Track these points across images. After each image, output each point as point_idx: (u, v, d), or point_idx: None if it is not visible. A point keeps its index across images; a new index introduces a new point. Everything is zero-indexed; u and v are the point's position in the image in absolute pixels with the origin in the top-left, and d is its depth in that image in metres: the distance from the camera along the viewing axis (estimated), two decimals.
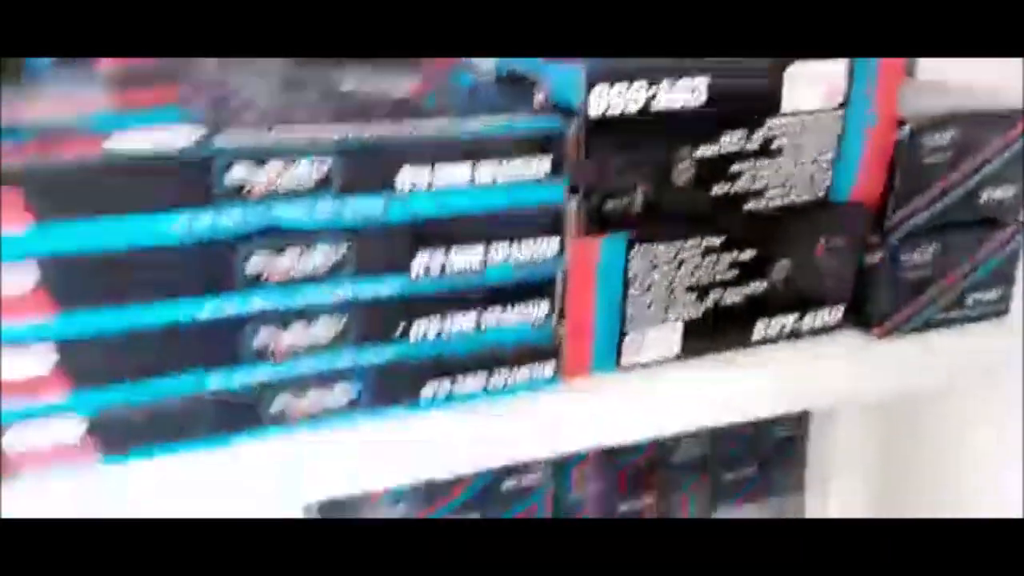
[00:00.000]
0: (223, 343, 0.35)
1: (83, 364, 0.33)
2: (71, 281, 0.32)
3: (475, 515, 0.62)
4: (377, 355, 0.38)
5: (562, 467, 0.63)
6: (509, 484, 0.62)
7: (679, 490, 0.69)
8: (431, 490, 0.59)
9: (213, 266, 0.34)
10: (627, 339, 0.43)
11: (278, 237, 0.34)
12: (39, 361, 0.33)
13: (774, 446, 0.72)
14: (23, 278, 0.32)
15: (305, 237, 0.35)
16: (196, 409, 0.36)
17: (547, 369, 0.42)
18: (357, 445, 0.39)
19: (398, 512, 0.59)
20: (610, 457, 0.65)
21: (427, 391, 0.40)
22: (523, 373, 0.42)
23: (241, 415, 0.37)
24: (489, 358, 0.40)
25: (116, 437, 0.35)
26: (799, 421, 0.71)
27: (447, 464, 0.42)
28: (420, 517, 0.60)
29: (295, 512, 0.42)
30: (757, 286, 0.44)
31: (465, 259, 0.37)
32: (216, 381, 0.36)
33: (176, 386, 0.35)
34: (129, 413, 0.35)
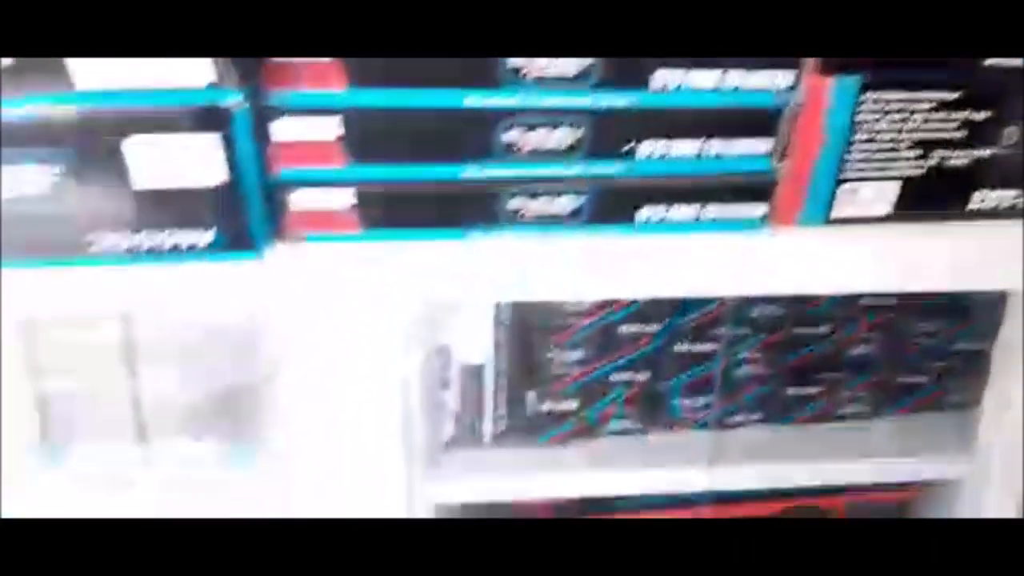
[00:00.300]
0: (479, 135, 0.39)
1: (362, 138, 0.38)
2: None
3: (646, 374, 0.64)
4: (605, 168, 0.41)
5: (738, 342, 0.64)
6: (683, 348, 0.64)
7: (846, 387, 0.69)
8: (614, 341, 0.62)
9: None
10: (843, 189, 0.44)
11: None
12: (327, 130, 0.38)
13: (956, 356, 0.69)
14: None
15: None
16: (448, 195, 0.40)
17: (758, 210, 0.43)
18: (575, 254, 0.43)
19: (576, 356, 0.63)
20: (785, 343, 0.65)
21: (643, 213, 0.43)
22: (735, 210, 0.43)
23: (481, 208, 0.41)
24: (705, 189, 0.42)
25: (378, 212, 0.40)
26: (988, 333, 0.68)
27: (653, 285, 0.44)
28: (595, 366, 0.63)
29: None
30: (984, 151, 0.44)
31: (701, 80, 0.39)
32: (468, 171, 0.40)
33: (435, 171, 0.40)
34: (393, 191, 0.40)
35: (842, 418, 0.70)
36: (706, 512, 0.70)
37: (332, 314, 0.45)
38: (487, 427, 0.64)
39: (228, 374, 0.56)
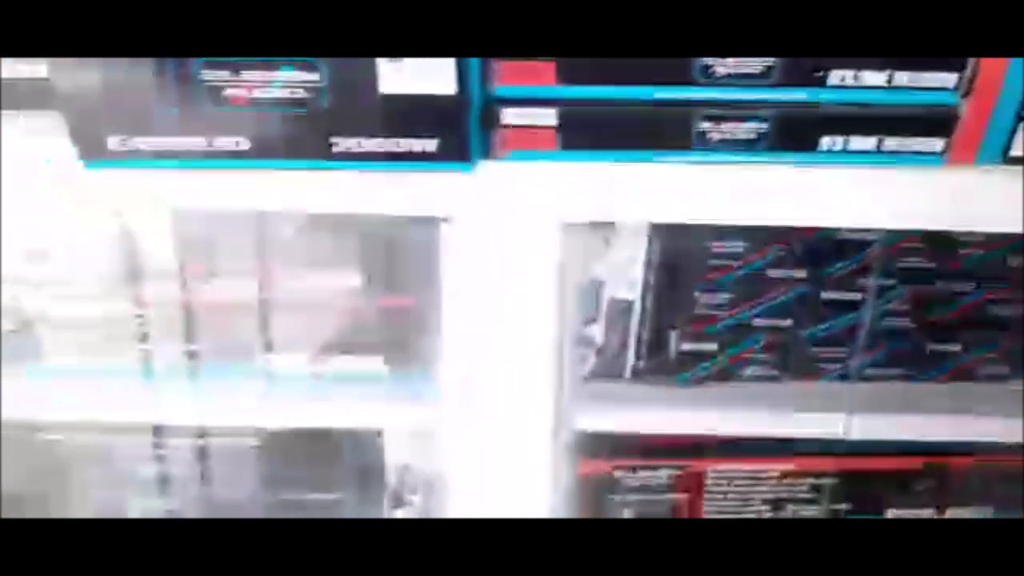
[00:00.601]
0: (675, 59, 0.42)
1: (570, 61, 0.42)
2: None
3: (788, 321, 0.66)
4: (794, 95, 0.43)
5: (884, 293, 0.65)
6: (829, 296, 0.65)
7: (987, 347, 0.69)
8: (761, 285, 0.63)
9: None
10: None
11: None
12: None
13: None
14: None
15: None
16: (640, 118, 0.43)
17: (937, 144, 0.45)
18: (757, 181, 0.45)
19: (721, 298, 0.64)
20: (930, 297, 0.66)
21: (825, 142, 0.45)
22: (914, 143, 0.45)
23: (671, 131, 0.44)
24: (887, 119, 0.44)
25: (576, 133, 0.44)
26: None
27: (830, 215, 0.46)
28: (739, 310, 0.65)
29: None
30: None
31: None
32: (659, 93, 0.43)
33: (630, 93, 0.43)
34: (591, 112, 0.43)
35: (979, 378, 0.70)
36: (835, 463, 0.71)
37: (506, 236, 0.48)
38: (628, 362, 0.67)
39: (400, 290, 0.60)
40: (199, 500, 0.71)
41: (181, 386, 0.60)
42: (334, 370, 0.60)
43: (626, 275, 0.64)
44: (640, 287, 0.64)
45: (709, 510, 0.71)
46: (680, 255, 0.62)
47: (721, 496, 0.72)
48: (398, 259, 0.59)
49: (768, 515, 0.71)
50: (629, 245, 0.62)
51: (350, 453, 0.71)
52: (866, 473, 0.72)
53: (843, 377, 0.69)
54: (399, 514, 0.69)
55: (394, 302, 0.60)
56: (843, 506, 0.72)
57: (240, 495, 0.71)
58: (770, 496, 0.72)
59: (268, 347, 0.61)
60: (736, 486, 0.72)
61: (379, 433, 0.70)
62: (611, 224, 0.59)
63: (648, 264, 0.64)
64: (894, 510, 0.74)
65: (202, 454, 0.69)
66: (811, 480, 0.73)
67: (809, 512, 0.71)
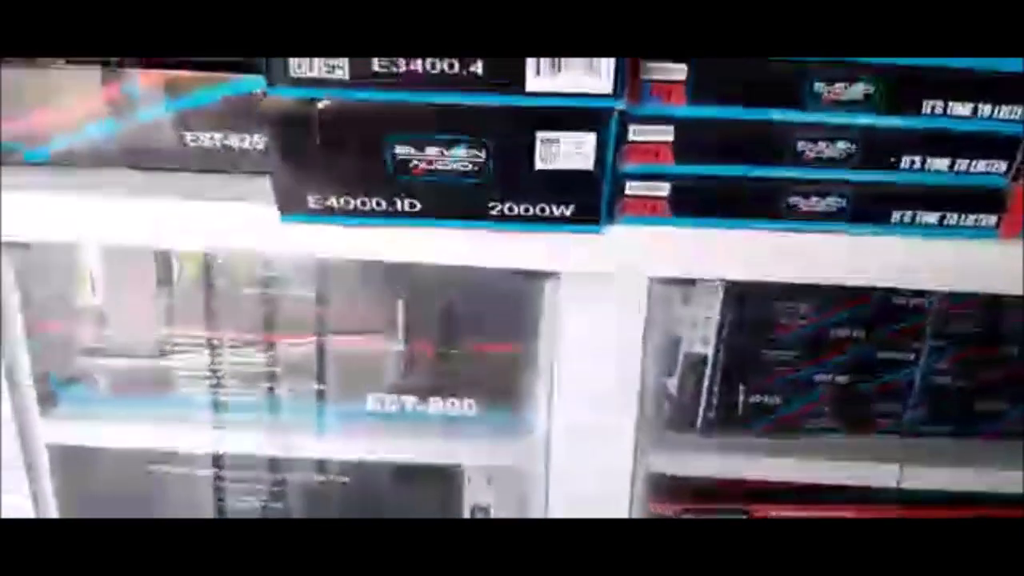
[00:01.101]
0: (772, 145, 0.50)
1: (686, 142, 0.50)
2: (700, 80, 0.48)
3: (847, 377, 0.71)
4: (868, 176, 0.51)
5: (935, 352, 0.71)
6: (885, 355, 0.71)
7: None
8: (824, 343, 0.70)
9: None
10: None
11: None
12: (662, 135, 0.50)
13: None
14: None
15: (846, 71, 0.48)
16: (740, 191, 0.51)
17: (991, 220, 0.53)
18: (842, 248, 0.53)
19: (788, 355, 0.70)
20: (979, 358, 0.71)
21: (895, 216, 0.52)
22: (970, 219, 0.53)
23: (765, 203, 0.52)
24: (950, 197, 0.52)
25: (685, 203, 0.52)
26: None
27: (894, 279, 0.54)
28: (803, 366, 0.71)
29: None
30: None
31: (957, 107, 0.49)
32: (757, 172, 0.51)
33: (733, 170, 0.51)
34: (699, 185, 0.51)
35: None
36: (889, 511, 0.76)
37: (603, 290, 0.55)
38: (700, 413, 0.73)
39: (499, 336, 0.66)
40: None
41: (265, 420, 0.65)
42: (424, 409, 0.66)
43: (702, 331, 0.71)
44: (714, 343, 0.71)
45: None
46: (751, 314, 0.68)
47: None
48: (500, 308, 0.65)
49: None
50: (706, 303, 0.69)
51: (430, 491, 0.74)
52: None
53: (897, 431, 0.73)
54: None
55: (494, 348, 0.65)
56: None
57: None
58: None
59: (352, 386, 0.66)
60: None
61: (460, 472, 0.75)
62: (690, 282, 0.66)
63: (721, 322, 0.70)
64: None
65: (287, 489, 0.73)
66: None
67: None
